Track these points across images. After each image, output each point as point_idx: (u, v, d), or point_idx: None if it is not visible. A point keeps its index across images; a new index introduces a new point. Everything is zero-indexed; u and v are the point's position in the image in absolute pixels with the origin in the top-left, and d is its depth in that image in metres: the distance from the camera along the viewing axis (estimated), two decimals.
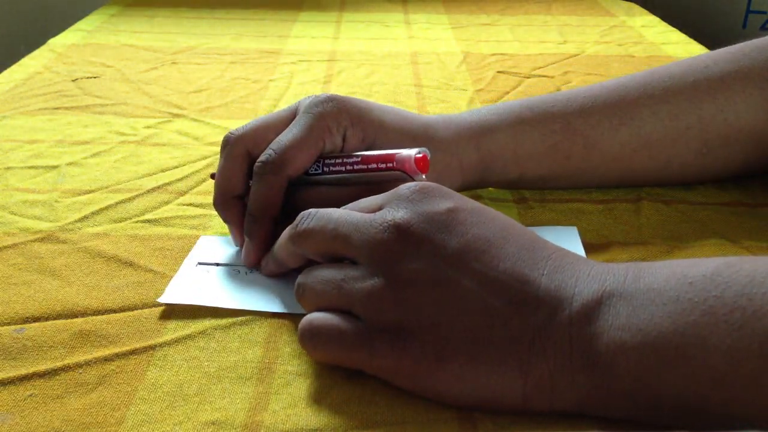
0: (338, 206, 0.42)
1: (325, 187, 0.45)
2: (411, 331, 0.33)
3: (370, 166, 0.44)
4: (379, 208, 0.37)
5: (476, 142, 0.50)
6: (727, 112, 0.50)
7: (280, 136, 0.44)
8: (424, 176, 0.43)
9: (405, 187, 0.37)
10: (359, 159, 0.44)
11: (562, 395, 0.31)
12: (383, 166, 0.43)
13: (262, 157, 0.43)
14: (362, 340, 0.34)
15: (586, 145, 0.50)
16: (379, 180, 0.43)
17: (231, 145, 0.45)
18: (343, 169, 0.44)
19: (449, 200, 0.36)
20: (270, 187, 0.43)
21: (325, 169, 0.45)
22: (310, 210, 0.38)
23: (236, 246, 0.46)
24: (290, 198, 0.45)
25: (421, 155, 0.43)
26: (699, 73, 0.51)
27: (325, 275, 0.36)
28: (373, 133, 0.46)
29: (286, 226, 0.46)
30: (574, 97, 0.51)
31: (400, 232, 0.34)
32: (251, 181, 0.45)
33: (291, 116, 0.46)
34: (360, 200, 0.39)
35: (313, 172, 0.45)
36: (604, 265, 0.34)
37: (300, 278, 0.38)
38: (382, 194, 0.38)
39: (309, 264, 0.39)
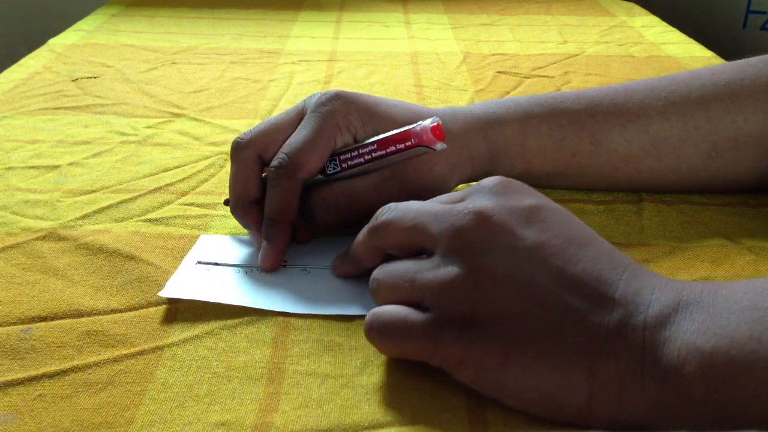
0: (359, 200, 0.43)
1: (340, 182, 0.45)
2: (480, 323, 0.32)
3: (389, 150, 0.43)
4: (461, 200, 0.37)
5: (484, 134, 0.50)
6: (735, 114, 0.49)
7: (290, 138, 0.44)
8: (444, 144, 0.43)
9: (488, 180, 0.37)
10: (375, 146, 0.44)
11: (630, 400, 0.30)
12: (402, 146, 0.43)
13: (275, 162, 0.44)
14: (429, 330, 0.33)
15: (593, 141, 0.50)
16: (399, 160, 0.43)
17: (241, 150, 0.45)
18: (362, 160, 0.44)
19: (532, 197, 0.36)
20: (286, 192, 0.43)
21: (343, 165, 0.45)
22: (390, 204, 0.38)
23: (257, 249, 0.45)
24: (307, 199, 0.45)
25: (435, 124, 0.43)
26: (705, 80, 0.51)
27: (398, 269, 0.36)
28: (384, 128, 0.46)
29: (304, 227, 0.46)
30: (582, 95, 0.52)
31: (481, 219, 0.34)
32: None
33: (299, 116, 0.46)
34: (440, 196, 0.39)
35: (332, 171, 0.45)
36: (682, 281, 0.33)
37: (374, 273, 0.38)
38: (463, 189, 0.38)
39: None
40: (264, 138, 0.45)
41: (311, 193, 0.45)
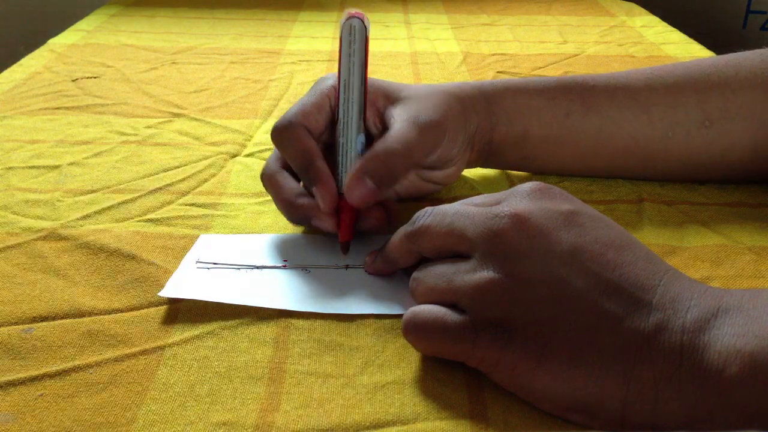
0: (411, 145, 0.44)
1: (379, 142, 0.45)
2: (516, 326, 0.33)
3: (339, 55, 0.45)
4: (497, 203, 0.37)
5: (480, 91, 0.51)
6: (723, 87, 0.50)
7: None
8: (363, 13, 0.44)
9: (525, 185, 0.37)
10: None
11: (666, 406, 0.30)
12: (339, 43, 0.45)
13: (276, 125, 0.45)
14: (466, 331, 0.33)
15: (584, 104, 0.51)
16: (353, 53, 0.44)
17: (289, 128, 0.45)
18: (343, 94, 0.45)
19: (570, 203, 0.36)
20: (298, 139, 0.44)
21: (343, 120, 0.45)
22: (426, 208, 0.39)
23: (324, 210, 0.44)
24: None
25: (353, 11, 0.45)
26: (689, 63, 0.53)
27: (438, 270, 0.36)
28: (400, 102, 0.48)
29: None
30: (571, 77, 0.54)
31: (518, 221, 0.34)
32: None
33: (322, 91, 0.47)
34: (475, 197, 0.39)
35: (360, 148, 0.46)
36: (722, 288, 0.33)
37: (415, 274, 0.38)
38: (499, 192, 0.38)
39: (418, 264, 0.39)
40: (304, 113, 0.46)
41: (363, 160, 0.44)
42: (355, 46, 0.44)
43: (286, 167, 0.47)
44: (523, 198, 0.36)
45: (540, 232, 0.34)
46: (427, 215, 0.38)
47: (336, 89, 0.46)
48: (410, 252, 0.39)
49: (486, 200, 0.38)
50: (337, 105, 0.46)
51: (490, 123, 0.51)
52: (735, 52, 0.53)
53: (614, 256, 0.33)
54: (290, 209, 0.45)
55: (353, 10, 0.45)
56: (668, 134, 0.51)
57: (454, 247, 0.36)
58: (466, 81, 0.54)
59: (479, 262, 0.34)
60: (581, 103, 0.51)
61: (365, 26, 0.44)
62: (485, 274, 0.34)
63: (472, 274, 0.34)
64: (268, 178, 0.47)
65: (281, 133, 0.45)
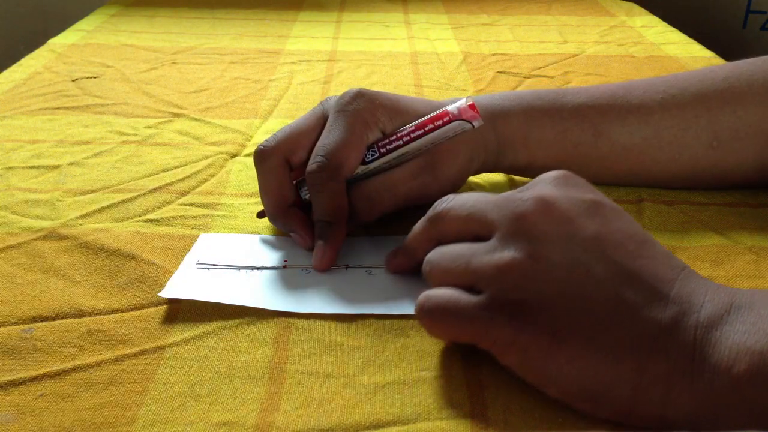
0: (399, 190, 0.45)
1: (378, 177, 0.45)
2: (532, 308, 0.32)
3: (427, 128, 0.44)
4: (519, 192, 0.37)
5: (493, 125, 0.50)
6: (734, 105, 0.50)
7: (322, 140, 0.45)
8: (481, 120, 0.44)
9: (550, 173, 0.37)
10: (413, 128, 0.45)
11: (676, 398, 0.30)
12: (440, 122, 0.44)
13: (313, 166, 0.44)
14: (482, 312, 0.33)
15: (595, 132, 0.51)
16: (434, 142, 0.44)
17: (268, 156, 0.45)
18: (401, 142, 0.45)
19: (594, 193, 0.36)
20: (333, 192, 0.44)
21: (381, 150, 0.45)
22: (448, 195, 0.39)
23: (305, 249, 0.45)
24: (347, 197, 0.45)
25: (470, 102, 0.44)
26: (703, 76, 0.52)
27: (453, 251, 0.36)
28: (410, 120, 0.47)
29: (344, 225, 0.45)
30: (583, 90, 0.52)
31: (542, 204, 0.34)
32: (302, 190, 0.46)
33: (320, 119, 0.46)
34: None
35: (371, 158, 0.45)
36: (735, 288, 0.34)
37: (429, 256, 0.38)
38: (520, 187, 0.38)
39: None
40: (289, 143, 0.45)
41: (351, 191, 0.45)
42: (442, 135, 0.45)
43: (286, 155, 0.46)
44: (548, 184, 0.36)
45: (564, 217, 0.34)
46: (449, 200, 0.38)
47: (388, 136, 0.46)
48: (430, 239, 0.39)
49: (506, 192, 0.38)
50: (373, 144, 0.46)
51: (496, 155, 0.51)
52: (735, 51, 0.53)
53: (635, 248, 0.33)
54: (275, 218, 0.46)
55: (472, 104, 0.44)
56: (675, 156, 0.51)
57: (475, 230, 0.36)
58: (482, 96, 0.53)
59: (500, 242, 0.34)
60: (592, 132, 0.51)
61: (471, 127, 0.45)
62: (506, 254, 0.33)
63: (491, 255, 0.34)
64: (267, 165, 0.46)
65: (262, 161, 0.45)
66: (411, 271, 0.42)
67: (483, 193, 0.38)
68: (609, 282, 0.32)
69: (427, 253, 0.39)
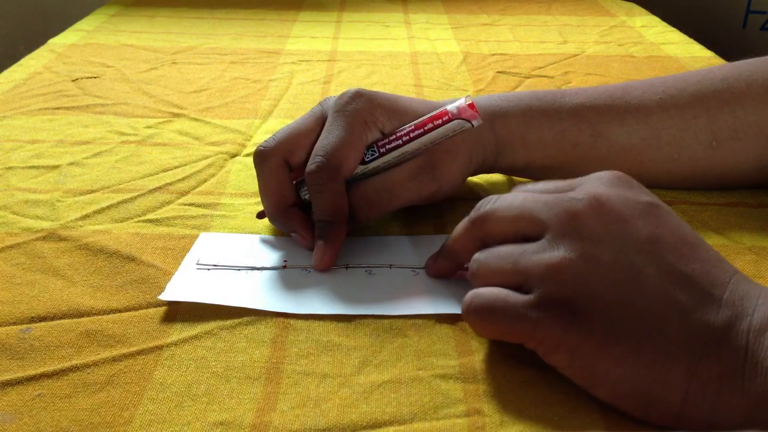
0: (397, 190, 0.45)
1: (377, 177, 0.45)
2: (582, 308, 0.32)
3: (426, 127, 0.44)
4: (569, 190, 0.36)
5: (491, 124, 0.50)
6: (734, 105, 0.50)
7: (321, 140, 0.45)
8: (480, 120, 0.44)
9: (603, 173, 0.36)
10: (412, 127, 0.45)
11: (727, 402, 0.30)
12: (439, 122, 0.44)
13: (313, 166, 0.44)
14: (530, 311, 0.33)
15: (593, 133, 0.51)
16: (440, 138, 0.44)
17: (267, 157, 0.45)
18: (401, 141, 0.45)
19: (649, 195, 0.36)
20: (333, 192, 0.44)
21: (381, 150, 0.45)
22: (490, 196, 0.38)
23: (306, 248, 0.45)
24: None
25: (470, 102, 0.44)
26: (702, 76, 0.52)
27: (502, 251, 0.36)
28: (408, 120, 0.46)
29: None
30: (581, 91, 0.52)
31: (597, 204, 0.34)
32: (302, 190, 0.46)
33: (319, 119, 0.46)
34: (540, 183, 0.38)
35: (370, 158, 0.45)
36: None
37: (476, 255, 0.37)
38: (567, 180, 0.37)
39: None
40: (289, 143, 0.45)
41: (350, 191, 0.45)
42: (442, 134, 0.45)
43: (286, 155, 0.46)
44: (601, 184, 0.36)
45: (618, 217, 0.34)
46: (493, 201, 0.38)
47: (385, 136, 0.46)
48: (474, 240, 0.38)
49: (548, 187, 0.37)
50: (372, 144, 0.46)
51: (494, 155, 0.51)
52: (735, 51, 0.53)
53: (689, 251, 0.33)
54: (275, 219, 0.46)
55: (471, 104, 0.44)
56: (674, 156, 0.51)
57: (524, 230, 0.36)
58: (481, 97, 0.52)
59: (551, 242, 0.34)
60: (591, 132, 0.51)
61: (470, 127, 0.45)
62: (557, 253, 0.33)
63: (542, 254, 0.34)
64: (267, 166, 0.46)
65: (261, 162, 0.45)
66: (452, 276, 0.42)
67: (528, 193, 0.37)
68: (662, 283, 0.32)
69: (471, 255, 0.38)
